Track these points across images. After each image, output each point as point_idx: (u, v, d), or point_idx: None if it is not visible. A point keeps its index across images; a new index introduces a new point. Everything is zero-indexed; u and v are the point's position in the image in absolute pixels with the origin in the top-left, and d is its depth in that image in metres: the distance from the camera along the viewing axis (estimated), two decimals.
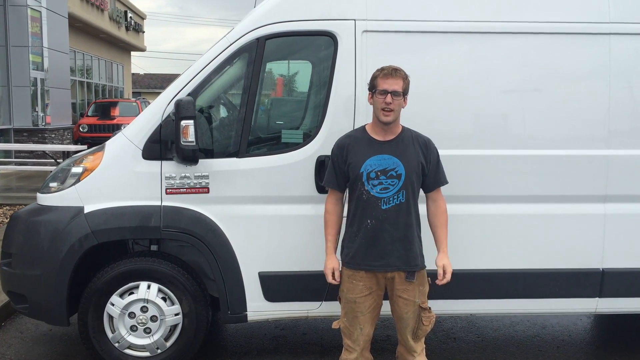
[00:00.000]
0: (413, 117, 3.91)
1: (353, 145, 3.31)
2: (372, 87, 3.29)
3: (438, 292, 4.04)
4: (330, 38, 3.93)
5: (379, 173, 3.22)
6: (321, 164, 3.86)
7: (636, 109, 4.08)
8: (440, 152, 3.95)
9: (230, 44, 3.94)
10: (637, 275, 4.12)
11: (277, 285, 4.01)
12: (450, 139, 3.97)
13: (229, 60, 3.97)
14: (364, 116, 3.85)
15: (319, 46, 4.11)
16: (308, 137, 3.96)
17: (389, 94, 3.18)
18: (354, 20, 3.92)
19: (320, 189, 3.86)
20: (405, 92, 3.26)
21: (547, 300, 4.15)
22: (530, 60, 4.03)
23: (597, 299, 4.14)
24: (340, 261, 3.38)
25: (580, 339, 5.02)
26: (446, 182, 3.41)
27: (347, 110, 3.90)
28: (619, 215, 4.07)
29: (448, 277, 3.29)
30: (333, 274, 3.36)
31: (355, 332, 3.37)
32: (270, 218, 3.95)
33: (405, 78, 3.26)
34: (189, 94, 3.86)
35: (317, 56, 4.24)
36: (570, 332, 5.10)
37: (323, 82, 4.04)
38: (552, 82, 4.05)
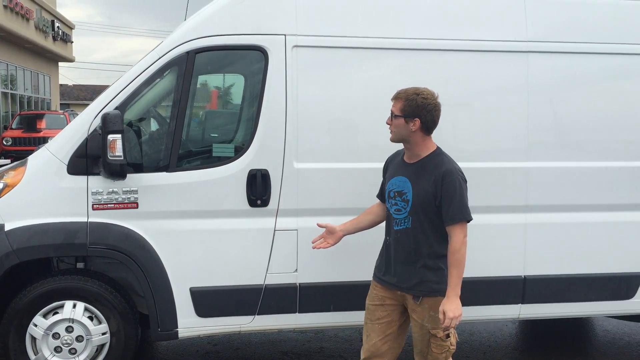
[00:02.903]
0: (343, 129, 4.00)
1: (391, 162, 3.45)
2: None
3: None
4: (261, 52, 3.95)
5: (396, 194, 3.26)
6: (253, 177, 3.87)
7: (553, 123, 4.29)
8: (366, 165, 3.97)
9: (160, 57, 3.89)
10: (556, 281, 4.31)
11: (208, 301, 3.96)
12: (377, 152, 4.04)
13: (158, 73, 3.91)
14: (295, 130, 3.90)
15: (250, 60, 4.11)
16: (240, 151, 3.95)
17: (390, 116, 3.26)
18: (284, 35, 3.95)
19: (252, 203, 3.86)
20: (406, 115, 3.15)
21: (474, 308, 4.25)
22: (455, 76, 4.17)
23: (520, 305, 4.30)
24: (341, 233, 3.53)
25: (505, 344, 5.21)
26: (459, 221, 3.09)
27: (278, 124, 3.91)
28: (539, 225, 4.25)
29: (447, 323, 3.03)
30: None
31: (364, 339, 3.41)
32: (201, 233, 3.91)
33: (403, 99, 3.18)
34: (116, 108, 3.78)
35: (249, 70, 4.24)
36: (496, 337, 5.29)
37: (255, 96, 4.04)
38: (476, 97, 4.21)
